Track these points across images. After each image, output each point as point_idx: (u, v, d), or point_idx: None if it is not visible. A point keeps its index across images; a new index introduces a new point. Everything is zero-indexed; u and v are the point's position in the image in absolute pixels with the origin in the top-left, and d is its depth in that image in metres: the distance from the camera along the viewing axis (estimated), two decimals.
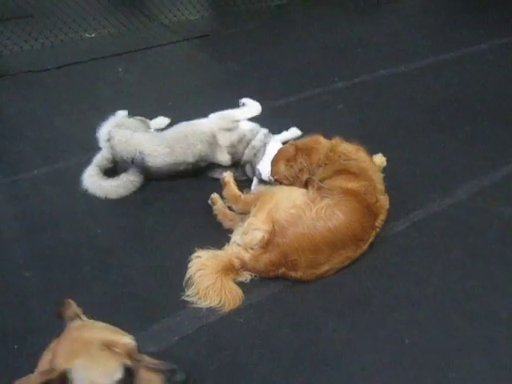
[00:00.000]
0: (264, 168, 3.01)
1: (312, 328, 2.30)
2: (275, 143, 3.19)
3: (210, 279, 2.40)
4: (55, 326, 2.25)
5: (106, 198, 3.07)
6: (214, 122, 3.24)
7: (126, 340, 1.50)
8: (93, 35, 5.64)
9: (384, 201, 2.69)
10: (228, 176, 2.96)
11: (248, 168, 3.21)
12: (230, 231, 2.72)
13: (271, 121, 3.40)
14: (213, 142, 3.16)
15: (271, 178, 2.94)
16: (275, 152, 2.96)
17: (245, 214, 2.72)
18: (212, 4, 6.99)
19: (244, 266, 2.49)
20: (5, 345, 2.22)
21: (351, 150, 2.78)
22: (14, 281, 2.56)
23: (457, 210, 3.00)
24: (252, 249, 2.49)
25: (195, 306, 2.38)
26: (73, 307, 1.61)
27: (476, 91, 4.42)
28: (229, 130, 3.21)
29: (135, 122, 3.29)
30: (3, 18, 5.66)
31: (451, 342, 2.24)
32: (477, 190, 3.15)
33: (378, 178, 2.73)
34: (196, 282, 2.42)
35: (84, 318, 1.61)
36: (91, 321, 1.58)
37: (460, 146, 3.61)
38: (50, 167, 3.38)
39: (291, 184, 2.81)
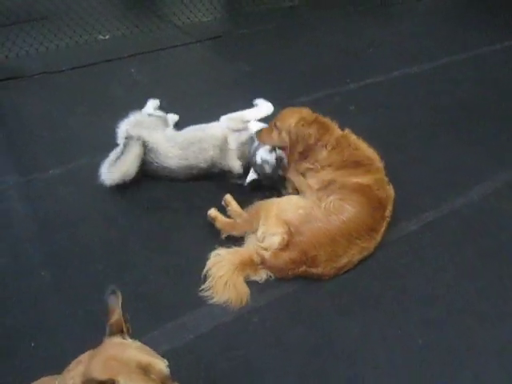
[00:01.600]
0: (259, 153, 3.00)
1: (325, 327, 2.32)
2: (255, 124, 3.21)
3: (224, 270, 2.43)
4: (71, 325, 2.31)
5: (123, 181, 3.10)
6: (224, 124, 3.24)
7: (162, 366, 1.49)
8: (106, 37, 5.68)
9: (390, 190, 2.73)
10: (229, 197, 2.95)
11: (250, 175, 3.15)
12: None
13: None
14: (224, 147, 3.16)
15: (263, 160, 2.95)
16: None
17: (246, 233, 2.71)
18: (224, 6, 7.01)
19: (264, 263, 2.50)
20: (22, 342, 2.26)
21: (356, 139, 2.85)
22: (29, 279, 2.59)
23: (469, 210, 3.00)
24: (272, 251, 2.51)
25: (210, 304, 2.40)
26: (119, 317, 1.58)
27: (488, 92, 4.42)
28: (238, 130, 3.20)
29: (153, 120, 3.30)
30: (19, 21, 5.71)
31: (463, 342, 2.25)
32: (490, 190, 3.15)
33: (382, 168, 2.78)
34: (212, 273, 2.45)
35: (127, 336, 1.58)
36: (130, 341, 1.56)
37: (472, 146, 3.60)
38: (64, 167, 3.41)
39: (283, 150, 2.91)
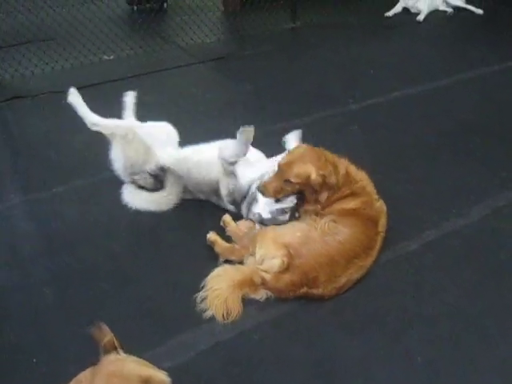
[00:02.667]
0: (262, 209, 2.86)
1: (326, 346, 2.32)
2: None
3: (221, 285, 2.46)
4: (73, 342, 2.32)
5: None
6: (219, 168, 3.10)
7: (162, 377, 1.52)
8: (111, 57, 5.76)
9: (380, 206, 2.74)
10: (228, 217, 2.96)
11: (244, 207, 3.06)
12: None
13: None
14: (217, 191, 3.15)
15: (273, 212, 2.84)
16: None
17: (241, 259, 2.71)
18: (227, 28, 7.12)
19: (265, 284, 2.51)
20: (24, 358, 2.27)
21: (356, 172, 2.79)
22: (32, 297, 2.61)
23: (470, 230, 3.01)
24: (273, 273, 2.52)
25: (211, 321, 2.41)
26: (110, 337, 1.61)
27: (489, 112, 4.46)
28: (228, 175, 3.09)
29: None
30: (26, 41, 5.80)
31: (464, 360, 2.24)
32: (490, 210, 3.17)
33: (372, 189, 2.78)
34: (209, 285, 2.48)
35: (121, 352, 1.60)
36: (126, 356, 1.59)
37: (473, 166, 3.63)
38: (68, 186, 3.45)
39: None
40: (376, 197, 2.77)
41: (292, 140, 3.28)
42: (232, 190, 3.07)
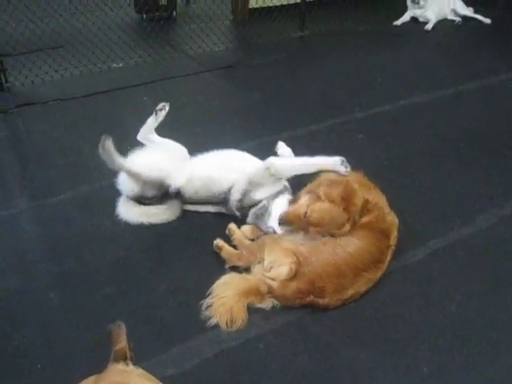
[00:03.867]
0: (275, 225, 2.84)
1: (332, 355, 2.31)
2: (283, 200, 3.00)
3: (227, 293, 2.46)
4: (77, 347, 2.33)
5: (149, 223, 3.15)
6: (239, 179, 3.09)
7: None
8: (120, 65, 5.80)
9: (392, 219, 2.73)
10: (233, 226, 2.97)
11: (250, 217, 3.07)
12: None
13: (293, 149, 3.44)
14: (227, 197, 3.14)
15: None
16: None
17: (250, 265, 2.70)
18: (236, 36, 7.15)
19: (272, 293, 2.51)
20: (28, 363, 2.27)
21: (369, 192, 2.75)
22: (37, 301, 2.62)
23: (477, 238, 3.00)
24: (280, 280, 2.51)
25: (215, 328, 2.40)
26: (122, 345, 1.59)
27: (496, 122, 4.46)
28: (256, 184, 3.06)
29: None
30: (37, 49, 5.85)
31: (471, 371, 2.23)
32: (497, 219, 3.16)
33: (384, 203, 2.77)
34: (215, 292, 2.48)
35: (130, 363, 1.57)
36: (134, 368, 1.56)
37: (480, 175, 3.62)
38: (75, 192, 3.47)
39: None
40: (388, 210, 2.75)
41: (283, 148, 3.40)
42: (246, 202, 3.07)
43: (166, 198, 3.17)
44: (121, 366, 1.54)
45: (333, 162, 2.89)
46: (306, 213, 2.63)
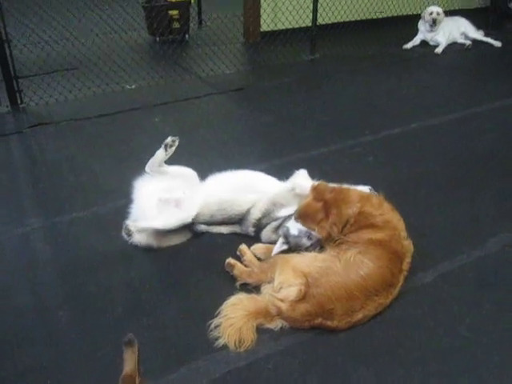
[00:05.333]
0: (292, 225, 2.90)
1: (340, 377, 2.30)
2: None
3: (236, 313, 2.47)
4: (87, 366, 2.34)
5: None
6: (259, 199, 3.14)
7: None
8: (133, 86, 5.88)
9: (408, 245, 2.73)
10: (245, 247, 2.99)
11: (265, 233, 3.13)
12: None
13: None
14: (244, 216, 3.18)
15: (302, 231, 2.87)
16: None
17: (261, 283, 2.73)
18: (247, 59, 7.23)
19: (280, 314, 2.51)
20: (38, 380, 2.28)
21: (376, 207, 2.79)
22: (48, 320, 2.64)
23: (486, 261, 2.99)
24: (289, 302, 2.51)
25: (224, 349, 2.40)
26: (131, 370, 1.56)
27: (507, 145, 4.46)
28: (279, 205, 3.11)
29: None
30: (51, 71, 5.96)
31: None
32: (507, 242, 3.14)
33: (401, 226, 2.78)
34: (224, 313, 2.49)
35: None
36: None
37: (490, 199, 3.62)
38: (87, 211, 3.50)
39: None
40: (405, 234, 2.76)
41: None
42: (265, 213, 3.10)
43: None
44: None
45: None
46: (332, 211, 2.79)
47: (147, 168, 3.23)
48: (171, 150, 3.21)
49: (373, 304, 2.53)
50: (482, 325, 2.56)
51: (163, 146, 3.19)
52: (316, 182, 3.01)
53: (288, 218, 3.01)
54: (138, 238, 3.08)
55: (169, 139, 3.20)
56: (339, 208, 2.77)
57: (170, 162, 3.30)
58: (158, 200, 3.12)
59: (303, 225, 2.83)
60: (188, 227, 3.18)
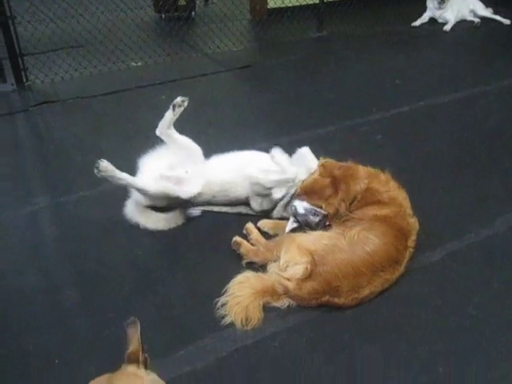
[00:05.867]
0: (299, 204, 2.89)
1: (346, 355, 2.31)
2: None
3: (243, 292, 2.48)
4: (95, 345, 2.36)
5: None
6: (248, 186, 3.12)
7: None
8: (139, 64, 5.85)
9: (414, 223, 2.73)
10: (251, 225, 2.98)
11: (276, 211, 3.14)
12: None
13: (311, 150, 3.44)
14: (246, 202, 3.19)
15: (307, 209, 2.86)
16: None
17: (267, 262, 2.72)
18: (254, 36, 7.16)
19: (287, 293, 2.52)
20: (47, 359, 2.31)
21: (383, 184, 2.80)
22: (57, 299, 2.65)
23: (494, 241, 2.98)
24: (295, 280, 2.51)
25: (231, 327, 2.41)
26: (135, 348, 1.60)
27: None
28: (261, 195, 3.11)
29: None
30: (56, 48, 5.93)
31: (487, 373, 2.21)
32: None
33: (407, 203, 2.78)
34: (231, 291, 2.50)
35: (142, 367, 1.59)
36: (146, 373, 1.57)
37: (498, 178, 3.60)
38: (94, 190, 3.50)
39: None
40: (410, 212, 2.75)
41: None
42: (266, 206, 3.12)
43: (182, 205, 3.17)
44: (132, 369, 1.55)
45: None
46: (303, 182, 2.87)
47: (157, 131, 3.19)
48: (179, 110, 3.15)
49: (379, 280, 2.53)
50: (490, 304, 2.56)
51: (171, 105, 3.14)
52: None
53: (293, 195, 3.02)
54: (137, 219, 3.13)
55: (178, 99, 3.15)
56: (348, 184, 2.78)
57: None
58: (159, 176, 3.09)
59: (309, 201, 2.82)
60: (182, 211, 3.18)
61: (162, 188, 3.04)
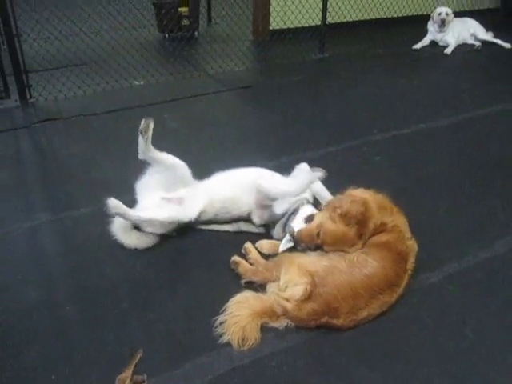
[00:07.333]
0: (297, 226, 2.91)
1: (343, 377, 2.30)
2: (308, 208, 3.07)
3: (241, 312, 2.47)
4: (93, 360, 2.35)
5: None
6: (250, 199, 3.15)
7: None
8: (141, 83, 5.90)
9: (412, 245, 2.73)
10: (249, 245, 3.00)
11: (276, 231, 3.13)
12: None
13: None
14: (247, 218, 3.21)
15: None
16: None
17: (266, 281, 2.72)
18: (256, 57, 7.23)
19: (286, 314, 2.51)
20: (43, 374, 2.30)
21: (388, 215, 2.76)
22: (55, 314, 2.65)
23: (493, 263, 2.98)
24: (295, 301, 2.51)
25: (228, 346, 2.41)
26: (128, 374, 1.65)
27: None
28: (263, 207, 3.13)
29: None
30: (60, 66, 5.99)
31: None
32: None
33: (406, 227, 2.78)
34: (229, 310, 2.50)
35: None
36: None
37: (499, 201, 3.60)
38: (95, 206, 3.50)
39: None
40: (409, 235, 2.75)
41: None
42: (267, 219, 3.12)
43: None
44: None
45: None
46: (318, 233, 2.72)
47: (139, 156, 3.21)
48: (149, 134, 3.15)
49: (377, 302, 2.53)
50: (489, 326, 2.56)
51: (139, 132, 3.14)
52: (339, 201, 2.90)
53: (292, 215, 3.02)
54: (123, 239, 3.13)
55: (142, 123, 3.14)
56: (367, 227, 2.70)
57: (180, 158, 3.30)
58: (160, 199, 3.13)
59: (330, 249, 2.72)
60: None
61: (170, 213, 3.06)
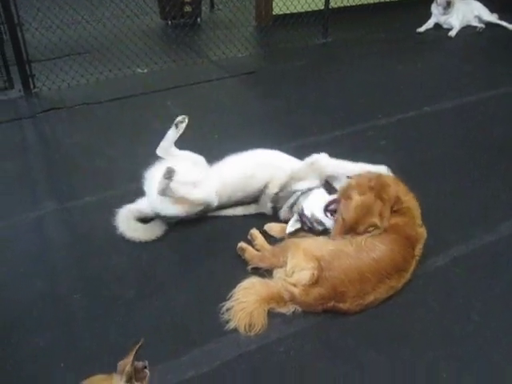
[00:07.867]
0: (309, 208, 2.93)
1: (351, 360, 2.31)
2: (320, 191, 3.06)
3: (248, 298, 2.48)
4: (100, 349, 2.37)
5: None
6: (266, 174, 3.18)
7: None
8: (145, 70, 5.87)
9: (422, 232, 2.72)
10: (255, 231, 3.00)
11: (283, 212, 3.16)
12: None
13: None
14: (262, 192, 3.22)
15: (315, 218, 2.91)
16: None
17: (272, 267, 2.73)
18: (259, 42, 7.18)
19: (293, 300, 2.51)
20: (53, 362, 2.32)
21: (404, 193, 2.77)
22: (62, 304, 2.67)
23: (499, 246, 2.98)
24: (302, 286, 2.51)
25: (236, 332, 2.42)
26: (129, 368, 1.68)
27: None
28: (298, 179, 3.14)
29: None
30: (63, 55, 5.97)
31: (491, 378, 2.21)
32: None
33: (418, 213, 2.76)
34: (236, 296, 2.50)
35: (125, 378, 1.70)
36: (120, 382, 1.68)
37: (503, 184, 3.59)
38: (100, 195, 3.52)
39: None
40: (420, 222, 2.74)
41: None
42: (282, 187, 3.14)
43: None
44: (115, 379, 1.71)
45: (378, 170, 3.00)
46: (343, 219, 2.70)
47: (158, 150, 3.20)
48: (182, 127, 3.17)
49: (384, 287, 2.53)
50: (494, 309, 2.56)
51: (174, 124, 3.16)
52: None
53: (302, 195, 3.04)
54: (128, 232, 3.11)
55: (179, 117, 3.17)
56: (387, 192, 2.69)
57: (182, 145, 3.29)
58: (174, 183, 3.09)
59: (361, 224, 2.68)
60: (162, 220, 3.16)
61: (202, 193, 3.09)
